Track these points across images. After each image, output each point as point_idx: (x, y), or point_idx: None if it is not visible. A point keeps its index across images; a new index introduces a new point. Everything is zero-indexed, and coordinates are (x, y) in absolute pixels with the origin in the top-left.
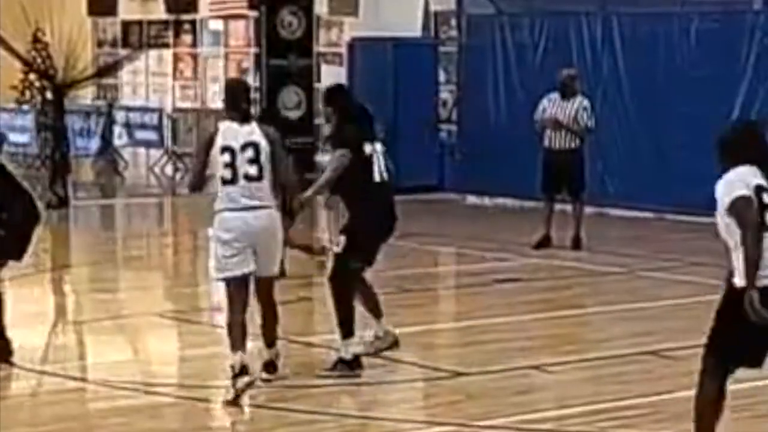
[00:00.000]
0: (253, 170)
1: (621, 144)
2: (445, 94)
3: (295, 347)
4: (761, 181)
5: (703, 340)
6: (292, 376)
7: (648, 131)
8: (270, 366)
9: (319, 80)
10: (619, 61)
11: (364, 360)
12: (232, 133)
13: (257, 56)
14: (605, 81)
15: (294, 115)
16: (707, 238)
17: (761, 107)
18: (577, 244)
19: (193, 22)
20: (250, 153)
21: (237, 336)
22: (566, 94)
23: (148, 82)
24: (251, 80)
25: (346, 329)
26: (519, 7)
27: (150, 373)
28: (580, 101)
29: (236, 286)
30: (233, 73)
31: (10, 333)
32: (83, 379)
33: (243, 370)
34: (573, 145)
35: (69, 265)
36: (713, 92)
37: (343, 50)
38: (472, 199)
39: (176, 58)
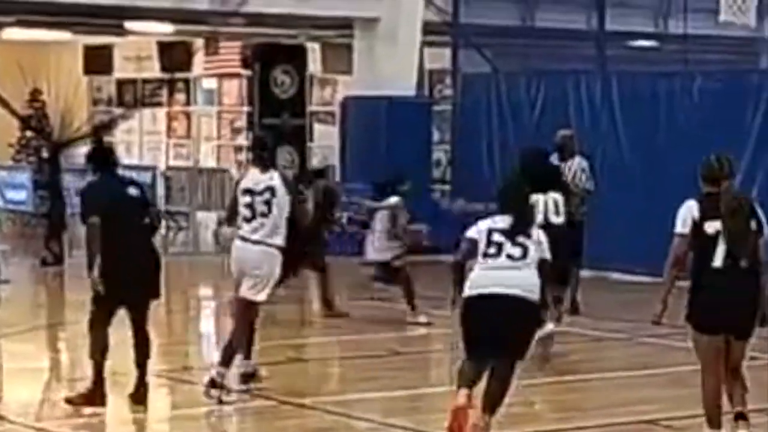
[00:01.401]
0: (264, 209)
1: (620, 205)
2: (439, 153)
3: (287, 408)
4: (496, 225)
5: None
6: None
7: (648, 192)
8: (246, 377)
9: (312, 140)
10: (618, 121)
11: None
12: (254, 178)
13: (250, 115)
14: (604, 140)
15: (287, 174)
16: None
17: (767, 167)
18: (574, 309)
19: (186, 81)
20: (267, 195)
21: (225, 354)
22: (564, 155)
23: (142, 140)
24: (243, 139)
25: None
26: (515, 65)
27: None
28: (578, 163)
29: (239, 305)
30: (226, 132)
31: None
32: None
33: (221, 386)
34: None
35: (64, 322)
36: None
37: (337, 109)
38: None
39: (170, 117)
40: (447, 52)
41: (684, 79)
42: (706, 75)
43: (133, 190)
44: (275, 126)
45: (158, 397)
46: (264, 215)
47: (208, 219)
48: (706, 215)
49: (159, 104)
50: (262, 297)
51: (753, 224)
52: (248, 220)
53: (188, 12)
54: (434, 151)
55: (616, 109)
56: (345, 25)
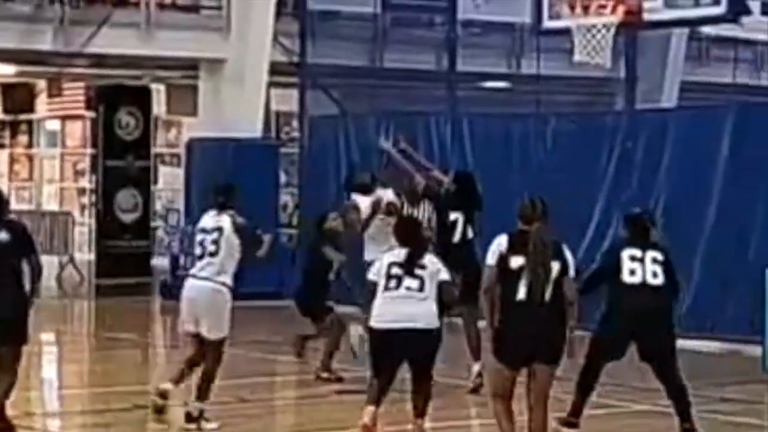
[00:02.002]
0: (213, 248)
1: None
2: (286, 197)
3: None
4: (394, 259)
5: None
6: None
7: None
8: (192, 416)
9: (156, 182)
10: (469, 164)
11: None
12: (208, 219)
13: (94, 157)
14: None
15: (130, 218)
16: None
17: (623, 210)
18: None
19: (29, 123)
20: (215, 235)
21: (176, 371)
22: (413, 200)
23: None
24: (87, 182)
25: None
26: (364, 107)
27: None
28: (428, 208)
29: (187, 339)
30: (69, 175)
31: None
32: None
33: (162, 394)
34: None
35: None
36: (571, 196)
37: (182, 151)
38: None
39: (12, 159)
40: (294, 93)
41: (537, 121)
42: (560, 117)
43: (3, 235)
44: (120, 168)
45: None
46: (212, 254)
47: (50, 263)
48: (511, 250)
49: (1, 146)
50: (213, 335)
51: (557, 264)
52: (199, 258)
53: (31, 53)
54: (281, 194)
55: (467, 152)
56: (190, 66)
